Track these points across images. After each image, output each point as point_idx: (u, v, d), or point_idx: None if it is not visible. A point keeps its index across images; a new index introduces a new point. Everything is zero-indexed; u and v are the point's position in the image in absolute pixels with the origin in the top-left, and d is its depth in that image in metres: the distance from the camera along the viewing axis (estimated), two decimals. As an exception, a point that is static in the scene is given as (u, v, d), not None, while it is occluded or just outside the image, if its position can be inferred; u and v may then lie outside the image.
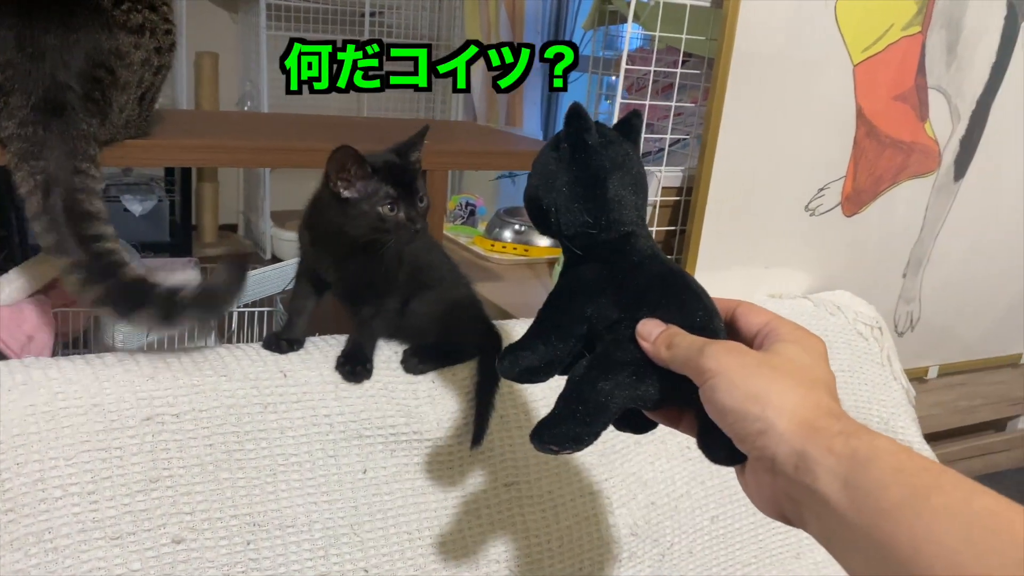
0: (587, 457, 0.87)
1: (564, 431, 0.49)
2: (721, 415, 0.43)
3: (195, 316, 0.69)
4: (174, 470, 0.68)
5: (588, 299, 0.51)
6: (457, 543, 0.79)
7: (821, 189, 1.17)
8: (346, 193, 0.69)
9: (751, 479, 0.45)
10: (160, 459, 0.68)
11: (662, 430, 0.94)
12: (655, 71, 1.08)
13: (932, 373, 1.42)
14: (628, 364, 0.48)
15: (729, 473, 0.98)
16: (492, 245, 1.57)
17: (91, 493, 0.65)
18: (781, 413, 0.41)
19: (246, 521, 0.70)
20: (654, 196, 1.10)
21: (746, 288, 1.16)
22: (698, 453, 0.96)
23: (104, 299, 0.68)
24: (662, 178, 1.10)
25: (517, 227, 1.58)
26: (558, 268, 1.38)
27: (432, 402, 0.80)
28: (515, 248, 1.56)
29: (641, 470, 0.90)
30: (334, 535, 0.73)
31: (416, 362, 0.79)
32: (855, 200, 1.21)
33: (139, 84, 0.75)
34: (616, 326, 0.49)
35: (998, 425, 1.65)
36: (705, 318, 0.49)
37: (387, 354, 0.81)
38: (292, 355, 0.78)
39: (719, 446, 0.46)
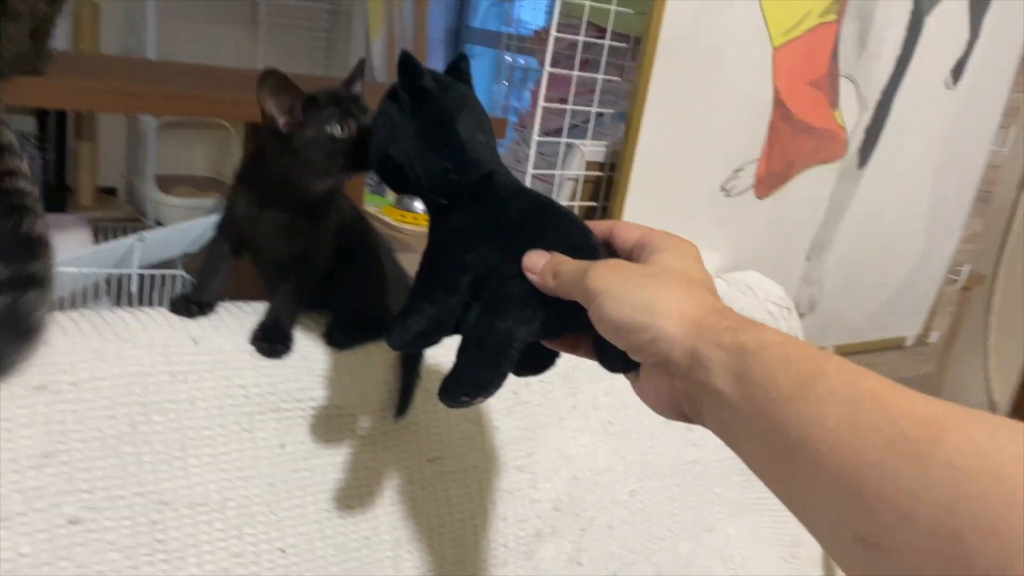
0: (511, 432, 0.85)
1: (471, 379, 0.48)
2: (613, 331, 0.44)
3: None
4: (71, 444, 0.62)
5: (465, 247, 0.50)
6: (380, 519, 0.75)
7: (737, 170, 1.18)
8: (286, 128, 0.62)
9: (648, 385, 0.46)
10: (55, 431, 0.61)
11: (584, 405, 0.93)
12: (571, 44, 1.06)
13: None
14: (519, 299, 0.48)
15: (648, 447, 0.99)
16: (403, 215, 1.53)
17: (-26, 469, 0.58)
18: (669, 317, 0.42)
19: (152, 499, 0.64)
20: (578, 171, 1.09)
21: (662, 266, 1.16)
22: (620, 428, 0.96)
23: None
24: (586, 152, 1.08)
25: (428, 199, 1.54)
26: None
27: (354, 374, 0.76)
28: (425, 219, 1.52)
29: (564, 445, 0.89)
30: (249, 513, 0.68)
31: (341, 336, 0.75)
32: (767, 182, 1.23)
33: (31, 15, 0.67)
34: (500, 266, 0.49)
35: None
36: (581, 237, 0.50)
37: (306, 323, 0.76)
38: (203, 320, 0.72)
39: (614, 357, 0.47)
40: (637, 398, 1.03)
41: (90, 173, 2.52)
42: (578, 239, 0.50)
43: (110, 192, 2.64)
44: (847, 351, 1.53)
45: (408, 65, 0.50)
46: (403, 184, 0.52)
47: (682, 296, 0.43)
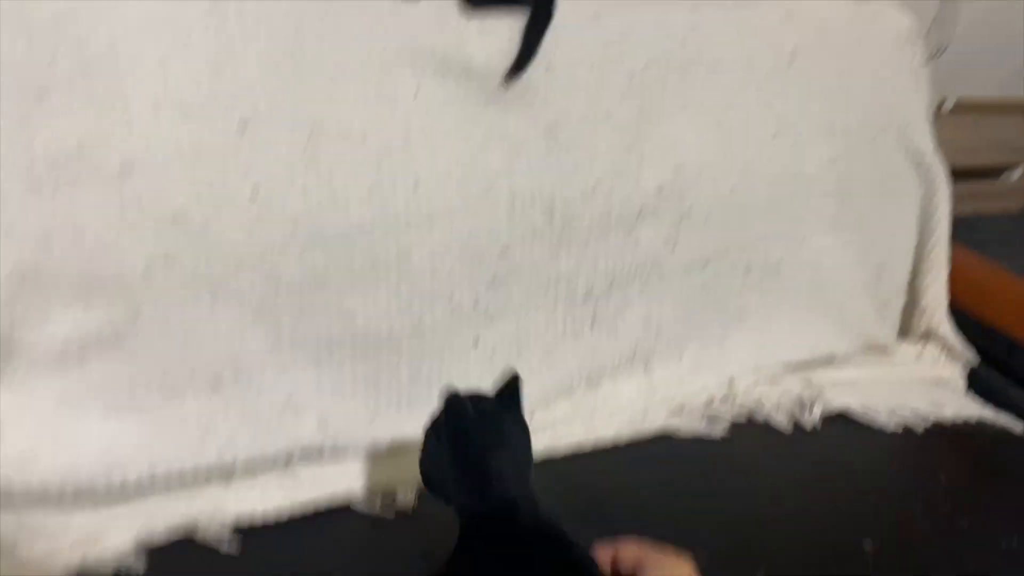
0: (624, 114, 0.89)
1: None
2: None
3: None
4: (238, 59, 0.70)
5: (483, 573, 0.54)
6: (499, 179, 0.82)
7: None
8: None
9: None
10: (223, 47, 0.69)
11: (695, 102, 0.95)
12: None
13: (948, 105, 1.44)
14: None
15: (754, 151, 1.02)
16: None
17: (161, 67, 0.67)
18: None
19: (306, 120, 0.73)
20: None
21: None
22: (728, 128, 1.00)
23: None
24: None
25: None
26: None
27: (484, 36, 0.80)
28: None
29: (673, 134, 0.92)
30: (387, 147, 0.76)
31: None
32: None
33: None
34: None
35: (994, 172, 1.69)
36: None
37: (441, -16, 0.80)
38: (347, -30, 0.77)
39: None
40: (748, 102, 1.04)
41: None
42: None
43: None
44: (971, 105, 1.47)
45: (452, 405, 0.56)
46: (440, 500, 0.58)
47: None
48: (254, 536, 0.70)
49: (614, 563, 0.56)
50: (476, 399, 0.59)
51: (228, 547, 0.69)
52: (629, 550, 0.56)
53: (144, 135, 0.66)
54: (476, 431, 0.57)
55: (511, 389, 0.61)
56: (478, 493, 0.56)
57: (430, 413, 0.60)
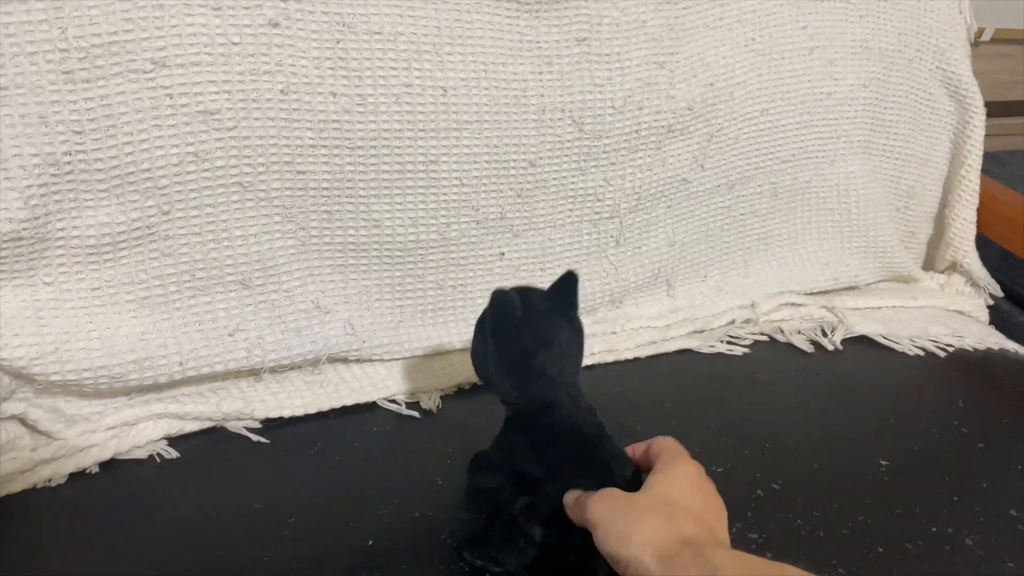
0: (656, 28, 0.87)
1: (500, 559, 0.58)
2: (609, 561, 0.49)
3: None
4: (269, -46, 0.69)
5: (518, 457, 0.58)
6: (529, 93, 0.81)
7: None
8: None
9: None
10: (255, -60, 0.68)
11: (730, 18, 0.94)
12: None
13: (986, 36, 1.40)
14: (552, 520, 0.56)
15: (787, 70, 1.00)
16: None
17: (191, -41, 0.66)
18: (643, 548, 0.47)
19: (336, 20, 0.72)
20: None
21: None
22: (761, 46, 0.97)
23: None
24: None
25: None
26: None
27: (516, -59, 0.78)
28: None
29: (705, 51, 0.91)
30: (417, 51, 0.76)
31: None
32: None
33: None
34: (542, 484, 0.57)
35: (1029, 108, 1.65)
36: (618, 471, 0.57)
37: None
38: None
39: None
40: (782, 20, 1.02)
41: None
42: (612, 474, 0.56)
43: None
44: (1011, 37, 1.44)
45: (498, 304, 0.55)
46: (487, 388, 0.59)
47: (656, 526, 0.47)
48: (283, 428, 0.71)
49: (647, 456, 0.58)
50: (526, 294, 0.58)
51: (257, 437, 0.71)
52: (658, 443, 0.58)
53: (176, 30, 0.66)
54: (520, 329, 0.56)
55: (566, 288, 0.60)
56: (519, 390, 0.57)
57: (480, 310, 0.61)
